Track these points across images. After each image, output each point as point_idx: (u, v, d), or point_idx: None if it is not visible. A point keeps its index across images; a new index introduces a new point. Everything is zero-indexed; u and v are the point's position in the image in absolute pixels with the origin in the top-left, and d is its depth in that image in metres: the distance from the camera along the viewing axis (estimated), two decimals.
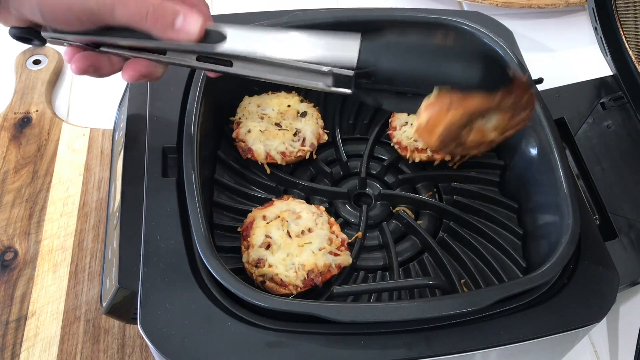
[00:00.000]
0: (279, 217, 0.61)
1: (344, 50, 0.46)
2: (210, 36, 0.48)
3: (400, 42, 0.47)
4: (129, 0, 0.46)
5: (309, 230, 0.60)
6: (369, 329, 0.51)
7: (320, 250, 0.59)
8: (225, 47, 0.48)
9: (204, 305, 0.52)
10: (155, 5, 0.46)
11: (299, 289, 0.57)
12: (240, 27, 0.49)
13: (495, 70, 0.46)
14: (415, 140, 0.68)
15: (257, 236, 0.59)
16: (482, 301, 0.52)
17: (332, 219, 0.63)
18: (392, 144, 0.71)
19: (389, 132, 0.71)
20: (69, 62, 0.51)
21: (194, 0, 0.51)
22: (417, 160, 0.69)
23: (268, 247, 0.59)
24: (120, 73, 0.52)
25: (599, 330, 0.72)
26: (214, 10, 1.00)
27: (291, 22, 0.69)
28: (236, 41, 0.48)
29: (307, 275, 0.57)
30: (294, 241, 0.59)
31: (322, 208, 0.63)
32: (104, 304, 0.56)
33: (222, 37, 0.48)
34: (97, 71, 0.51)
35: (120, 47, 0.50)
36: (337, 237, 0.61)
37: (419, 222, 0.66)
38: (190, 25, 0.47)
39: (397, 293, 0.60)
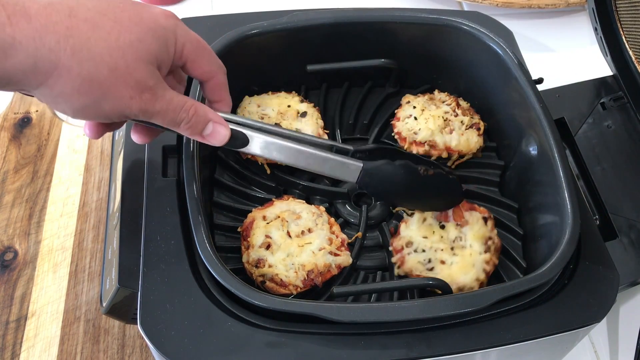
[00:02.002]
0: (279, 217, 0.61)
1: (347, 173, 0.59)
2: (234, 139, 0.53)
3: (391, 174, 0.60)
4: (167, 110, 0.48)
5: (309, 230, 0.60)
6: (369, 329, 0.51)
7: (320, 250, 0.59)
8: (245, 149, 0.55)
9: (204, 305, 0.52)
10: (190, 115, 0.49)
11: (299, 289, 0.57)
12: (261, 135, 0.55)
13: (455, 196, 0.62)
14: (415, 133, 0.69)
15: (257, 236, 0.59)
16: (482, 301, 0.52)
17: (332, 219, 0.63)
18: (392, 134, 0.71)
19: (393, 122, 0.72)
20: (86, 132, 0.53)
21: (223, 95, 0.55)
22: (414, 152, 0.69)
23: (268, 247, 0.59)
24: None
25: (599, 330, 0.72)
26: (214, 10, 1.00)
27: (291, 22, 0.69)
28: (257, 147, 0.55)
29: (307, 275, 0.57)
30: (294, 241, 0.59)
31: (322, 208, 0.63)
32: (104, 304, 0.56)
33: (244, 141, 0.54)
34: (111, 131, 0.55)
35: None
36: (337, 237, 0.61)
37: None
38: (217, 136, 0.52)
39: (397, 293, 0.60)
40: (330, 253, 0.59)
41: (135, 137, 0.53)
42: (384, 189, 0.61)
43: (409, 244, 0.61)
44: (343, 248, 0.60)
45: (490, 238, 0.61)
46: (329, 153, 0.58)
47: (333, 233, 0.61)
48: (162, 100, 0.47)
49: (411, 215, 0.64)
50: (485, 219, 0.62)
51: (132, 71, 0.44)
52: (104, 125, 0.53)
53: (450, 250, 0.60)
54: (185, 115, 0.49)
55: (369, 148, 0.64)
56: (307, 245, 0.59)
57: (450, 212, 0.63)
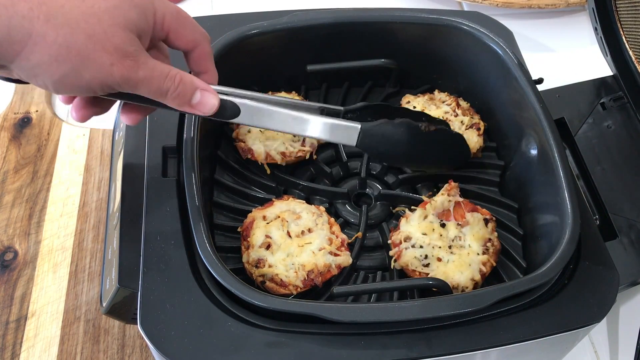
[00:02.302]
0: (279, 217, 0.61)
1: (346, 136, 0.57)
2: (224, 108, 0.51)
3: (391, 133, 0.58)
4: (152, 78, 0.46)
5: (309, 230, 0.60)
6: (369, 329, 0.51)
7: (320, 250, 0.59)
8: (237, 119, 0.53)
9: (204, 305, 0.52)
10: (176, 84, 0.48)
11: (299, 289, 0.57)
12: (252, 103, 0.53)
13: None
14: None
15: (257, 236, 0.59)
16: (482, 301, 0.52)
17: (332, 219, 0.63)
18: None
19: None
20: (70, 107, 0.51)
21: (208, 65, 0.53)
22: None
23: (268, 247, 0.59)
24: None
25: (599, 330, 0.72)
26: (214, 11, 1.00)
27: (291, 22, 0.69)
28: (248, 116, 0.53)
29: (307, 275, 0.57)
30: (294, 241, 0.59)
31: (322, 208, 0.63)
32: (104, 304, 0.56)
33: (235, 111, 0.52)
34: (98, 114, 0.52)
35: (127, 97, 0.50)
36: (337, 237, 0.61)
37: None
38: (206, 104, 0.50)
39: (397, 293, 0.60)
40: (330, 253, 0.59)
41: (125, 118, 0.52)
42: (385, 149, 0.60)
43: (407, 238, 0.61)
44: (343, 248, 0.60)
45: (489, 240, 0.61)
46: (325, 117, 0.56)
47: (333, 233, 0.61)
48: (144, 67, 0.45)
49: (412, 211, 0.64)
50: (486, 221, 0.62)
51: (110, 37, 0.43)
52: (90, 105, 0.50)
53: (448, 248, 0.60)
54: (171, 83, 0.47)
55: (359, 106, 0.63)
56: (307, 245, 0.59)
57: (452, 210, 0.63)
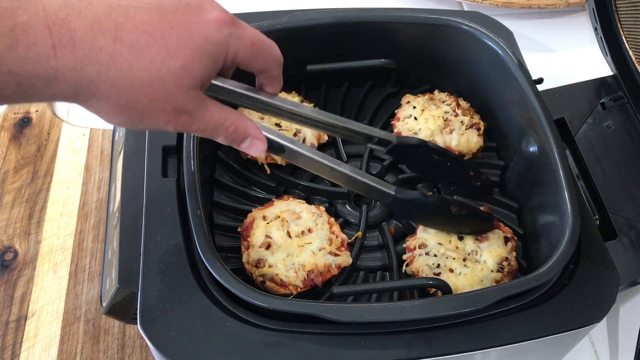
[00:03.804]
0: (279, 217, 0.61)
1: (378, 196, 0.58)
2: (271, 147, 0.53)
3: (422, 207, 0.59)
4: (205, 129, 0.48)
5: (309, 230, 0.60)
6: (369, 329, 0.51)
7: (320, 250, 0.59)
8: (282, 155, 0.54)
9: (204, 305, 0.52)
10: (229, 133, 0.49)
11: (299, 289, 0.57)
12: (296, 148, 0.54)
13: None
14: (415, 133, 0.69)
15: (257, 236, 0.59)
16: (482, 301, 0.52)
17: (332, 219, 0.63)
18: (392, 134, 0.71)
19: (393, 122, 0.72)
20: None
21: (274, 83, 0.53)
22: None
23: (268, 247, 0.59)
24: None
25: (599, 330, 0.72)
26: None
27: (291, 22, 0.69)
28: (290, 156, 0.55)
29: (307, 275, 0.57)
30: (294, 241, 0.59)
31: (322, 208, 0.63)
32: (104, 304, 0.56)
33: (281, 149, 0.54)
34: None
35: None
36: (337, 237, 0.61)
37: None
38: (254, 150, 0.51)
39: (397, 293, 0.60)
40: (330, 253, 0.59)
41: None
42: (412, 217, 0.63)
43: (422, 245, 0.61)
44: (343, 248, 0.60)
45: (507, 259, 0.60)
46: (362, 175, 0.56)
47: (333, 233, 0.61)
48: (200, 121, 0.46)
49: None
50: (506, 239, 0.62)
51: (171, 99, 0.44)
52: None
53: (462, 261, 0.60)
54: (224, 132, 0.49)
55: (414, 143, 0.61)
56: (307, 245, 0.59)
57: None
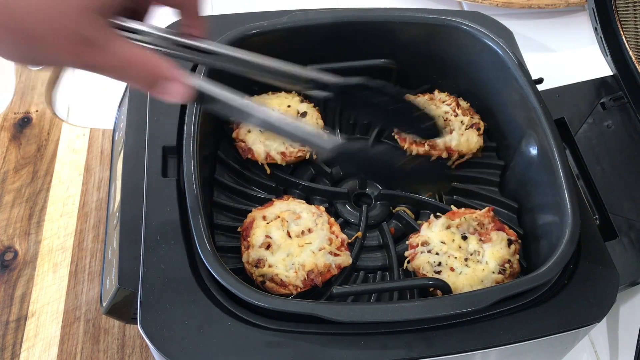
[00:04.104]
0: (279, 217, 0.61)
1: (320, 147, 0.51)
2: (200, 97, 0.48)
3: (370, 158, 0.53)
4: (111, 67, 0.42)
5: (309, 230, 0.60)
6: (369, 329, 0.51)
7: (320, 250, 0.59)
8: (211, 108, 0.49)
9: (204, 305, 0.52)
10: (141, 70, 0.43)
11: (298, 289, 0.57)
12: (229, 95, 0.49)
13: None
14: None
15: (257, 236, 0.59)
16: (482, 301, 0.52)
17: (332, 219, 0.63)
18: (392, 134, 0.71)
19: None
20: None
21: (196, 21, 0.48)
22: (414, 152, 0.69)
23: (268, 247, 0.59)
24: None
25: (599, 330, 0.72)
26: (214, 11, 1.00)
27: (291, 22, 0.69)
28: (226, 109, 0.49)
29: (307, 275, 0.57)
30: (294, 241, 0.59)
31: (322, 208, 0.63)
32: (104, 304, 0.56)
33: (211, 101, 0.48)
34: None
35: None
36: (337, 237, 0.61)
37: (419, 222, 0.66)
38: (172, 96, 0.45)
39: (397, 293, 0.60)
40: (330, 253, 0.59)
41: None
42: (359, 169, 0.57)
43: (425, 243, 0.61)
44: (343, 248, 0.60)
45: (509, 261, 0.60)
46: (302, 123, 0.52)
47: (333, 233, 0.61)
48: (104, 55, 0.40)
49: (437, 217, 0.63)
50: (510, 242, 0.61)
51: (69, 22, 0.37)
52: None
53: (464, 260, 0.60)
54: (134, 71, 0.42)
55: (356, 84, 0.57)
56: (307, 245, 0.59)
57: (477, 227, 0.62)
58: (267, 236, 0.59)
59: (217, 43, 0.51)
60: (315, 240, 0.59)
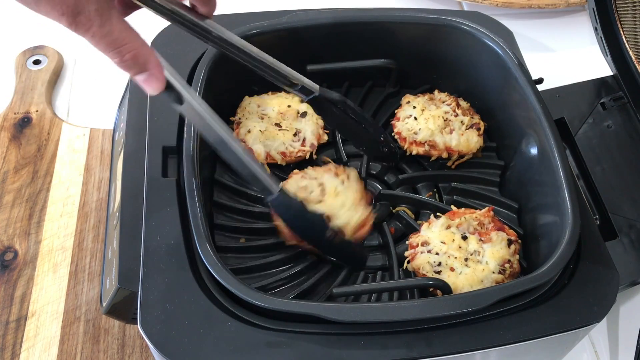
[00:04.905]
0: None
1: (262, 190, 0.55)
2: (170, 93, 0.50)
3: (301, 218, 0.56)
4: (100, 43, 0.44)
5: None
6: (369, 329, 0.51)
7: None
8: (178, 107, 0.51)
9: (204, 305, 0.52)
10: (127, 56, 0.46)
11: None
12: (194, 103, 0.51)
13: None
14: (415, 133, 0.69)
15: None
16: (482, 301, 0.52)
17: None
18: (392, 134, 0.71)
19: (393, 122, 0.72)
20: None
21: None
22: (414, 152, 0.69)
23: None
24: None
25: (599, 330, 0.72)
26: (214, 11, 1.00)
27: (291, 22, 0.69)
28: (186, 112, 0.52)
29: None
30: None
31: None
32: (104, 304, 0.56)
33: (179, 100, 0.51)
34: None
35: None
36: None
37: (419, 222, 0.66)
38: (148, 87, 0.48)
39: (397, 293, 0.60)
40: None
41: None
42: (291, 223, 0.58)
43: (425, 243, 0.61)
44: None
45: (509, 261, 0.60)
46: (253, 161, 0.54)
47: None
48: (97, 30, 0.43)
49: (437, 217, 0.63)
50: (510, 242, 0.61)
51: None
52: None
53: (464, 260, 0.60)
54: (120, 54, 0.45)
55: (336, 99, 0.61)
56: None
57: (477, 227, 0.62)
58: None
59: (218, 26, 0.53)
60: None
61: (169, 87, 0.49)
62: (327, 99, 0.60)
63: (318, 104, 0.60)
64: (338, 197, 0.61)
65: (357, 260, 0.62)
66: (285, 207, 0.55)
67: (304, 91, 0.59)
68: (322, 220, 0.57)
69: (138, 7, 0.50)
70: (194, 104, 0.51)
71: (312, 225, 0.57)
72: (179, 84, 0.50)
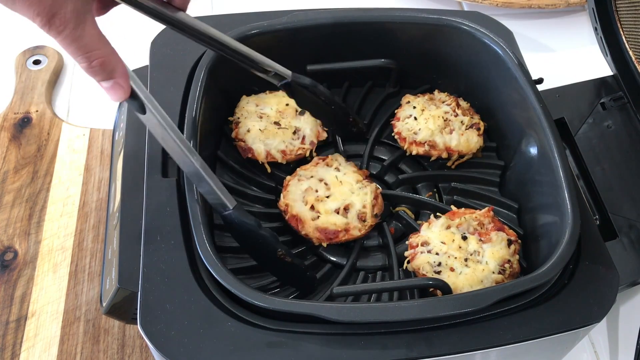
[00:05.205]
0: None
1: (216, 205, 0.56)
2: (134, 101, 0.51)
3: (253, 237, 0.57)
4: (71, 47, 0.45)
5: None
6: (369, 329, 0.51)
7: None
8: (141, 116, 0.52)
9: (204, 305, 0.52)
10: (95, 63, 0.46)
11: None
12: (157, 115, 0.52)
13: None
14: (415, 133, 0.69)
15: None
16: (482, 301, 0.52)
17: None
18: (392, 134, 0.71)
19: (393, 122, 0.72)
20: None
21: None
22: (414, 152, 0.69)
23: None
24: None
25: (599, 330, 0.72)
26: (214, 11, 1.00)
27: (291, 22, 0.69)
28: (148, 122, 0.53)
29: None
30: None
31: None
32: (104, 304, 0.56)
33: (142, 110, 0.52)
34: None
35: None
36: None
37: (419, 222, 0.66)
38: (112, 95, 0.49)
39: (397, 293, 0.60)
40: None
41: None
42: (242, 241, 0.58)
43: (425, 243, 0.61)
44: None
45: (509, 261, 0.60)
46: (208, 174, 0.54)
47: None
48: (69, 34, 0.43)
49: (437, 217, 0.63)
50: (510, 242, 0.61)
51: None
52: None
53: (464, 261, 0.60)
54: (88, 60, 0.46)
55: (308, 84, 0.64)
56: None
57: (477, 227, 0.62)
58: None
59: (191, 17, 0.54)
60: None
61: (133, 95, 0.50)
62: (299, 83, 0.63)
63: (291, 89, 0.63)
64: (343, 184, 0.63)
65: (307, 282, 0.61)
66: (239, 224, 0.55)
67: (277, 77, 0.62)
68: (273, 240, 0.57)
69: (116, 4, 0.51)
70: (156, 114, 0.52)
71: (263, 244, 0.56)
72: (142, 95, 0.51)
